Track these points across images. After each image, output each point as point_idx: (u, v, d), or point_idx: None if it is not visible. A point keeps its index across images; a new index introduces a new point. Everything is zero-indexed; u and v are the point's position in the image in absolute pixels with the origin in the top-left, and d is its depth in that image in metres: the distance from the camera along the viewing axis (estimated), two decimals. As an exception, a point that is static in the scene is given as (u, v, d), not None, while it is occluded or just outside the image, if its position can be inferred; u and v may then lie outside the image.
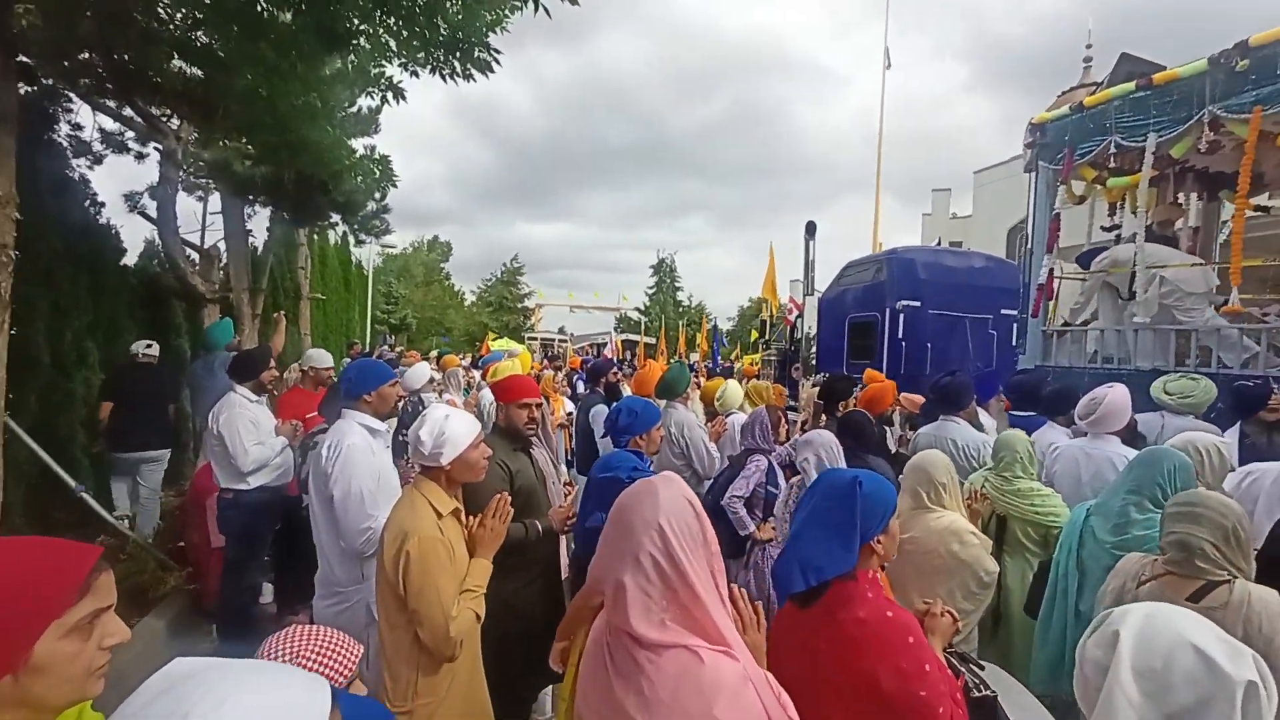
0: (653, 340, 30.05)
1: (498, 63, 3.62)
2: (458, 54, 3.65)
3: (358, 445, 2.31)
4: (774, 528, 2.96)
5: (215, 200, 8.37)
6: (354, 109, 7.82)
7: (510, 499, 1.84)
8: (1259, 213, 5.96)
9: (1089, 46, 24.95)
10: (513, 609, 1.99)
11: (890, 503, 1.29)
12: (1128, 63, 5.16)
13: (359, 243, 9.85)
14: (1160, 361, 4.58)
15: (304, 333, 11.25)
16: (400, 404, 3.83)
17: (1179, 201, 5.72)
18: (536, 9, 3.36)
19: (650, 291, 38.24)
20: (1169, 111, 4.51)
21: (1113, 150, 4.85)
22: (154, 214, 6.33)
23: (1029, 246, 5.68)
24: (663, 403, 3.74)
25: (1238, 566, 1.50)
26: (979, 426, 3.29)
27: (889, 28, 14.88)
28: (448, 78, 4.99)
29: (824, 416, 3.69)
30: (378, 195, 9.20)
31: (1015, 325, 8.29)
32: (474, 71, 5.07)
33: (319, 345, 14.14)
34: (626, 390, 4.77)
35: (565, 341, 30.32)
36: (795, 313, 9.87)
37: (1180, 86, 4.44)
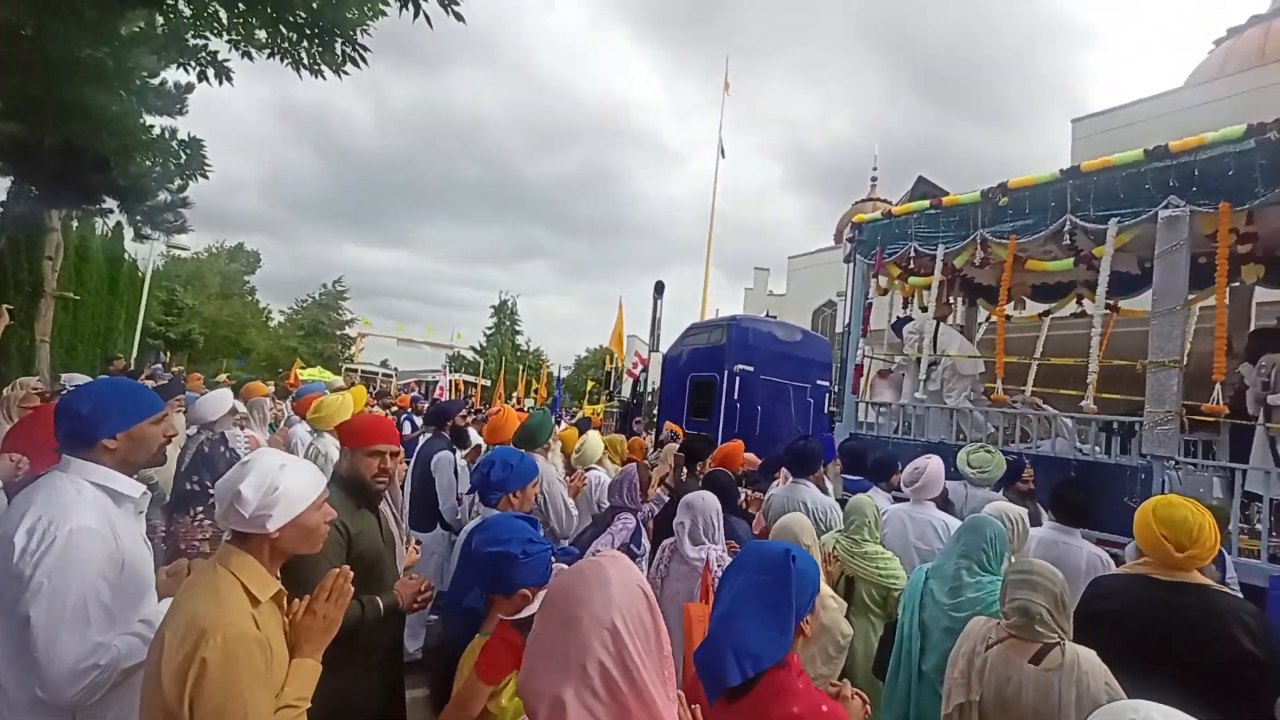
0: (488, 382, 28.91)
1: (363, 60, 3.25)
2: (315, 43, 3.21)
3: (86, 531, 1.40)
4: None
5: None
6: (157, 81, 6.57)
7: (350, 571, 1.48)
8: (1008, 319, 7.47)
9: (875, 168, 30.16)
10: (341, 710, 1.56)
11: (817, 578, 1.24)
12: (923, 184, 6.27)
13: (139, 237, 8.09)
14: (943, 435, 5.43)
15: (41, 337, 8.80)
16: (193, 440, 3.04)
17: (949, 303, 6.96)
18: (416, 14, 3.09)
19: (489, 332, 37.04)
20: (953, 229, 5.51)
21: (912, 254, 5.79)
22: None
23: (847, 325, 6.48)
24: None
25: (1063, 629, 1.69)
26: (824, 490, 3.53)
27: (723, 121, 16.64)
28: (297, 68, 4.42)
29: (685, 474, 3.69)
30: (173, 185, 7.76)
31: (827, 394, 9.40)
32: (325, 67, 4.58)
33: (62, 355, 11.29)
34: (475, 436, 4.37)
35: (390, 376, 27.85)
36: (640, 367, 10.13)
37: (961, 210, 5.46)
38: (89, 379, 3.30)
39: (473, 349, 36.70)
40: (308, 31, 3.10)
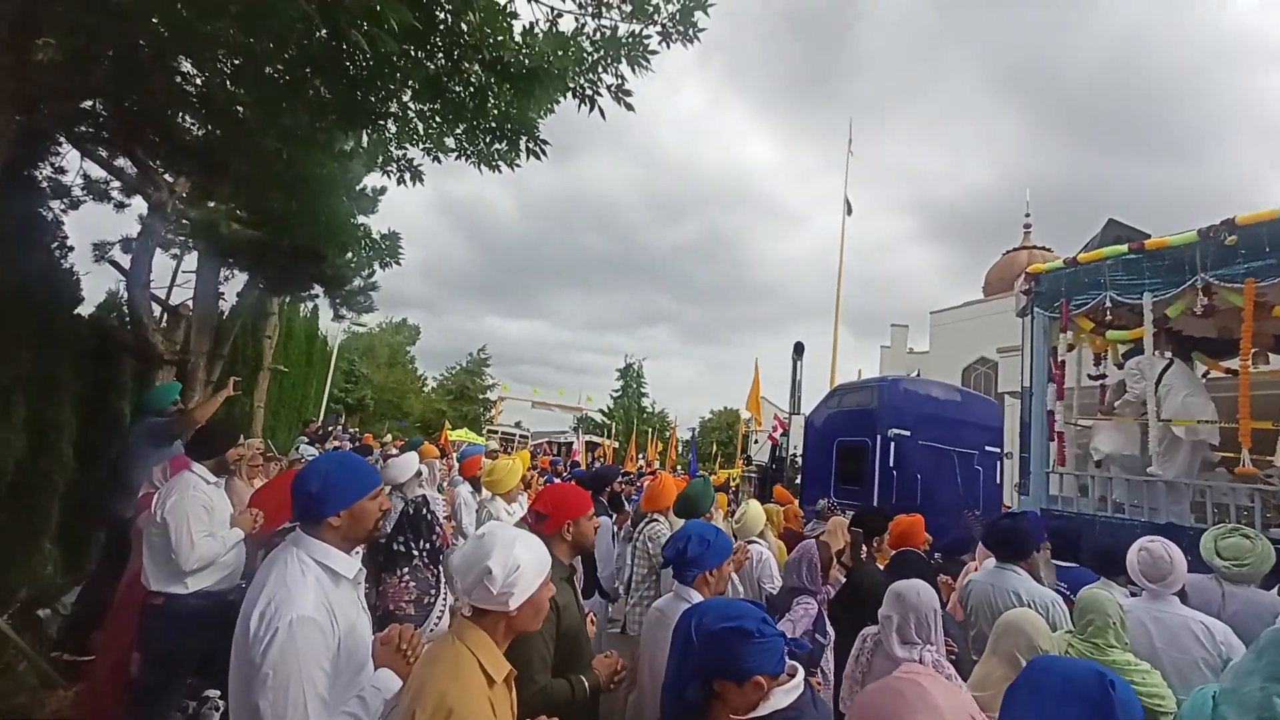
0: (616, 444, 29.49)
1: (543, 153, 3.56)
2: (503, 143, 3.59)
3: (306, 621, 1.42)
4: (820, 684, 2.55)
5: (191, 260, 8.00)
6: (360, 186, 7.81)
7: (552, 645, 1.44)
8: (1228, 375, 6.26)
9: (1028, 214, 27.72)
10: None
11: (1141, 710, 0.99)
12: (1115, 227, 5.56)
13: (338, 317, 9.45)
14: (1171, 516, 4.52)
15: (258, 404, 10.46)
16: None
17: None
18: (592, 109, 3.36)
19: (615, 395, 38.15)
20: (1161, 275, 4.78)
21: (1108, 305, 5.08)
22: (126, 265, 5.90)
23: (1028, 386, 5.76)
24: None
25: None
26: (1038, 579, 3.02)
27: (848, 180, 16.29)
28: (488, 166, 4.99)
29: (864, 552, 3.37)
30: (365, 273, 9.00)
31: (998, 463, 8.37)
32: (503, 162, 5.11)
33: (269, 418, 13.23)
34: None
35: (525, 436, 29.44)
36: (780, 430, 9.75)
37: (1171, 253, 4.74)
38: (317, 450, 3.75)
39: (601, 411, 37.88)
40: (497, 133, 3.49)
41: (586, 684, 1.68)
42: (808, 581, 2.71)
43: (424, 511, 2.34)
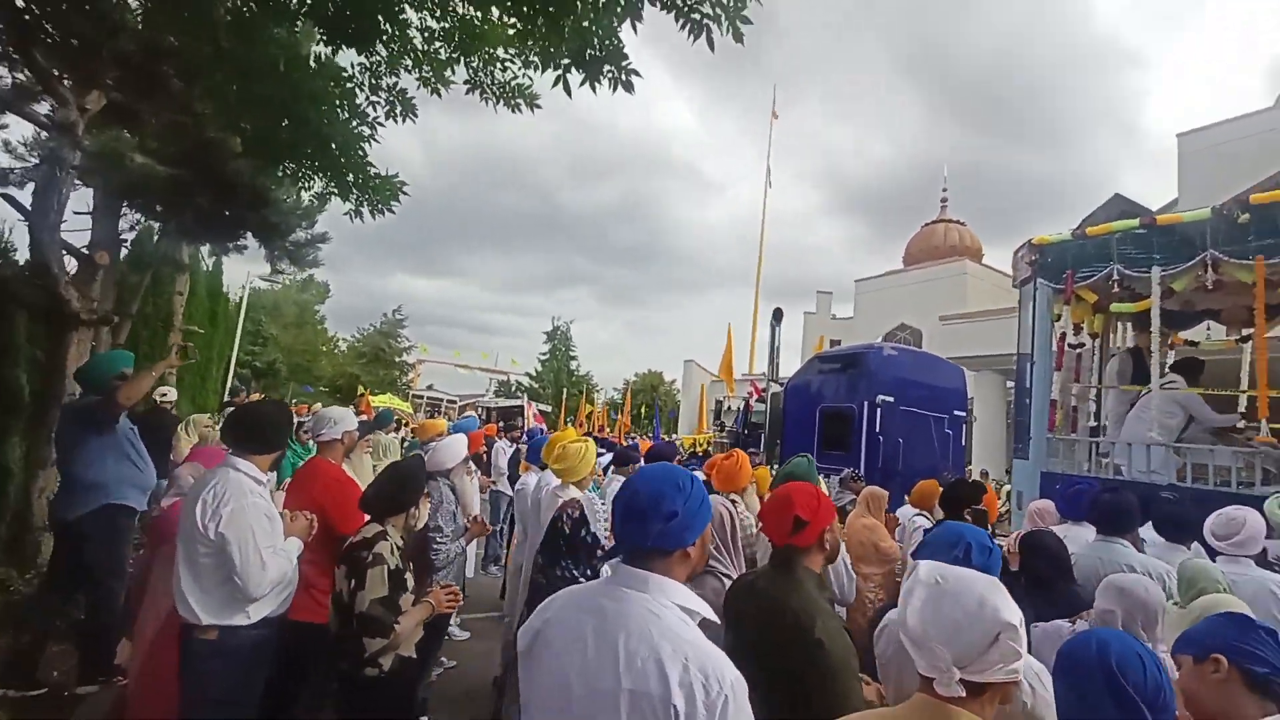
0: (549, 408, 28.89)
1: (633, 86, 3.01)
2: (580, 69, 3.01)
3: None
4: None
5: (86, 199, 6.57)
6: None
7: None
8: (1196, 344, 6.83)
9: (945, 189, 29.35)
10: None
11: None
12: (1120, 202, 5.77)
13: (276, 271, 8.23)
14: (1171, 478, 4.85)
15: (169, 372, 9.04)
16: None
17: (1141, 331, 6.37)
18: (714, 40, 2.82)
19: (543, 358, 37.26)
20: (1171, 250, 5.01)
21: (1115, 277, 5.29)
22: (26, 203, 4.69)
23: (1027, 354, 5.96)
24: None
25: None
26: (1140, 550, 3.06)
27: (771, 150, 16.35)
28: (507, 104, 4.30)
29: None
30: (308, 223, 7.87)
31: (963, 426, 8.81)
32: (524, 101, 4.45)
33: (181, 389, 11.60)
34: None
35: (454, 403, 28.12)
36: (757, 397, 9.74)
37: (1182, 229, 4.96)
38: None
39: (528, 375, 36.93)
40: (579, 55, 2.91)
41: None
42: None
43: (582, 532, 1.91)
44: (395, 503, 2.19)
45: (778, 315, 9.00)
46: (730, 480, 3.47)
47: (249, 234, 7.46)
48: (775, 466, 8.25)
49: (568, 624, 1.10)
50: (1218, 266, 4.72)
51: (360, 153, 4.06)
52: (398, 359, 37.18)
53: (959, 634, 0.92)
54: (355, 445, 2.95)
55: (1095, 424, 6.44)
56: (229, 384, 16.10)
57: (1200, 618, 2.13)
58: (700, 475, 4.13)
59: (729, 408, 10.83)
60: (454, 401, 29.16)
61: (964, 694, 0.92)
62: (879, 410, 7.54)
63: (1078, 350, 6.66)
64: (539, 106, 4.49)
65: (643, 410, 35.01)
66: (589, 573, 1.86)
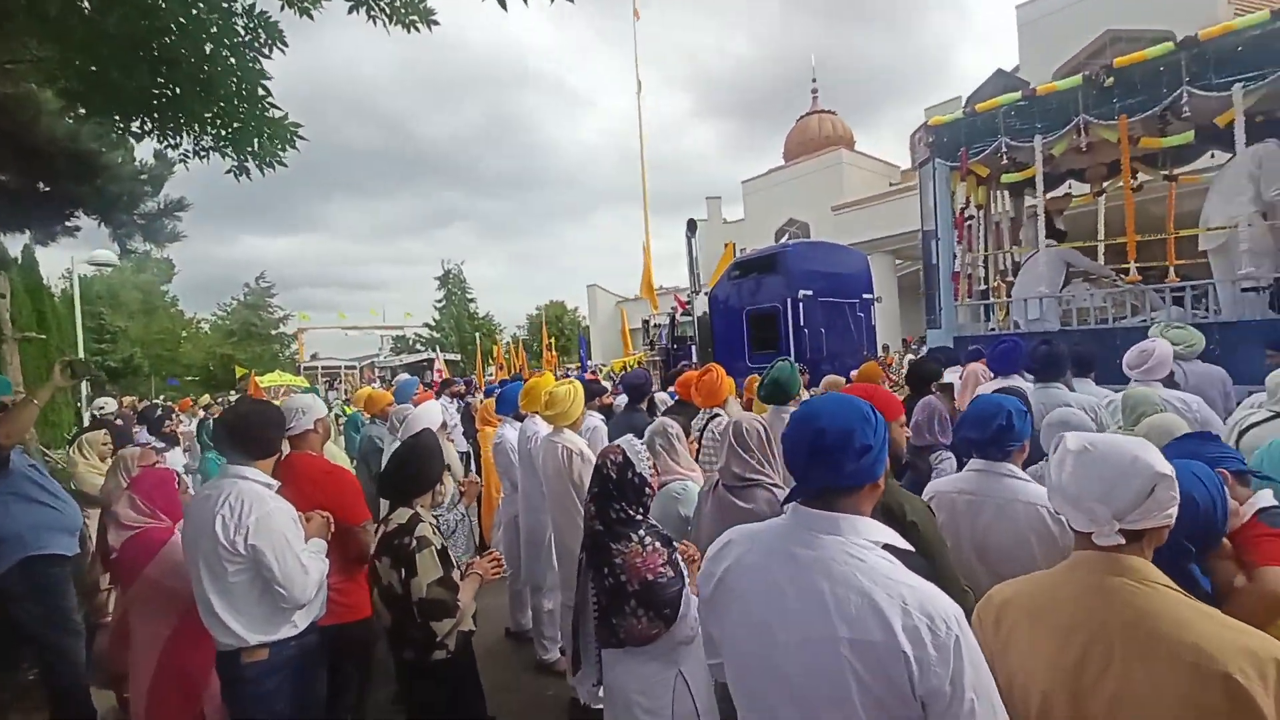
0: (458, 356, 27.83)
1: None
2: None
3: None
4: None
5: None
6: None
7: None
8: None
9: (814, 80, 29.76)
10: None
11: None
12: (1003, 76, 6.14)
13: (126, 253, 6.96)
14: (1055, 324, 5.57)
15: (17, 387, 7.61)
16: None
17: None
18: None
19: (439, 305, 35.35)
20: (1049, 118, 5.47)
21: (1003, 149, 5.74)
22: None
23: (932, 231, 6.43)
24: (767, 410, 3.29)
25: None
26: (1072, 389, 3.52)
27: (637, 53, 15.71)
28: (402, 23, 3.76)
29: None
30: (151, 190, 6.69)
31: (871, 307, 9.50)
32: (420, 20, 3.92)
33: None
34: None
35: (353, 368, 26.28)
36: (681, 311, 9.88)
37: (1058, 97, 5.41)
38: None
39: (426, 325, 35.07)
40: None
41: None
42: (940, 435, 2.84)
43: (629, 474, 1.90)
44: (421, 482, 2.05)
45: (692, 226, 9.02)
46: (713, 395, 3.57)
47: (80, 212, 6.27)
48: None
49: (756, 570, 1.09)
50: (1089, 129, 5.24)
51: (259, 93, 3.40)
52: (274, 331, 33.86)
53: (1115, 490, 1.02)
54: (330, 432, 2.70)
55: (984, 287, 7.18)
56: (85, 393, 13.98)
57: (1148, 434, 2.51)
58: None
59: (655, 324, 10.96)
60: (352, 367, 27.24)
61: (1124, 541, 1.04)
62: (801, 305, 7.94)
63: (968, 222, 7.28)
64: (436, 23, 3.98)
65: (553, 342, 34.60)
66: (642, 511, 1.87)
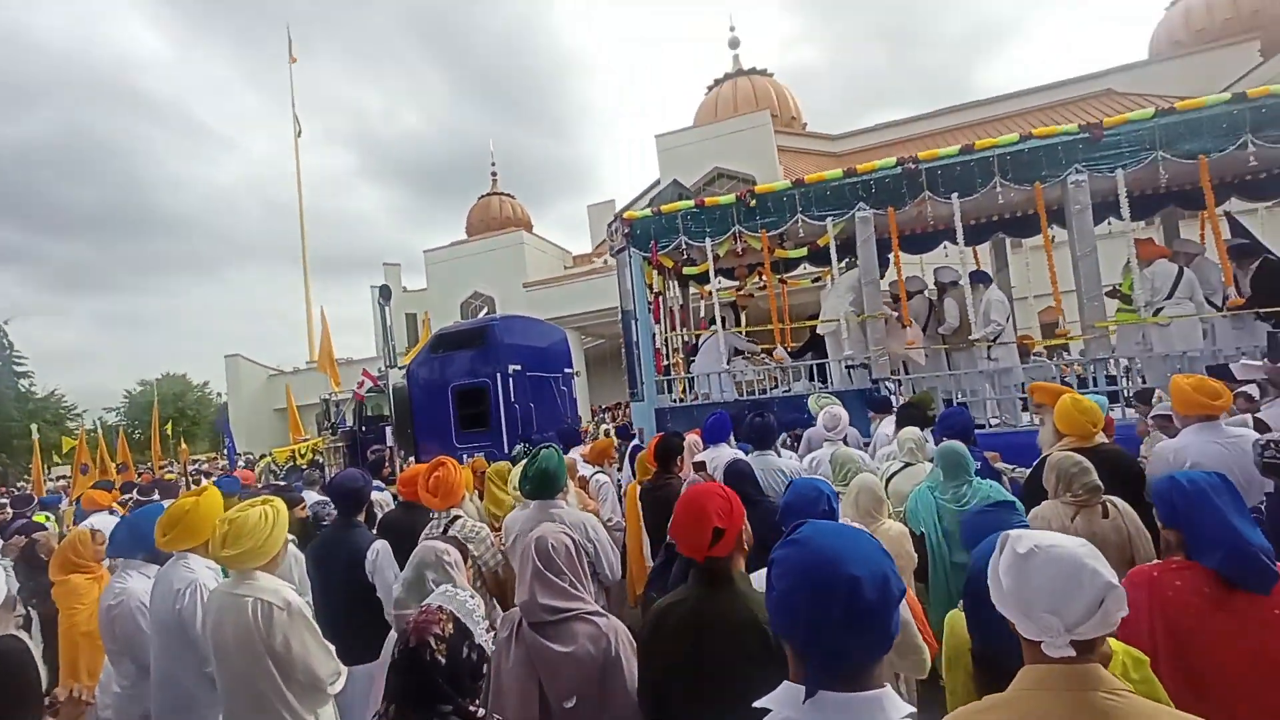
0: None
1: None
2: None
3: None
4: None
5: None
6: None
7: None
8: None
9: (493, 164, 31.15)
10: None
11: None
12: (677, 186, 7.26)
13: None
14: (733, 395, 6.65)
15: None
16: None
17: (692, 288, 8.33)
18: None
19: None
20: (714, 224, 6.66)
21: (683, 246, 6.74)
22: None
23: (630, 311, 7.05)
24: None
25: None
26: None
27: (294, 97, 14.62)
28: None
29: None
30: None
31: (573, 380, 9.89)
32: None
33: None
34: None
35: None
36: (373, 387, 8.58)
37: (720, 209, 6.63)
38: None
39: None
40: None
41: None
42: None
43: (464, 651, 1.30)
44: None
45: (385, 293, 8.04)
46: (451, 494, 3.01)
47: None
48: (411, 459, 7.58)
49: None
50: (741, 236, 6.54)
51: None
52: None
53: (1066, 602, 0.98)
54: None
55: (668, 363, 8.20)
56: None
57: (859, 493, 2.97)
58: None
59: (337, 402, 9.22)
60: None
61: (1074, 653, 0.98)
62: (511, 380, 7.74)
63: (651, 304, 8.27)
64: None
65: (170, 428, 26.63)
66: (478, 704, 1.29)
